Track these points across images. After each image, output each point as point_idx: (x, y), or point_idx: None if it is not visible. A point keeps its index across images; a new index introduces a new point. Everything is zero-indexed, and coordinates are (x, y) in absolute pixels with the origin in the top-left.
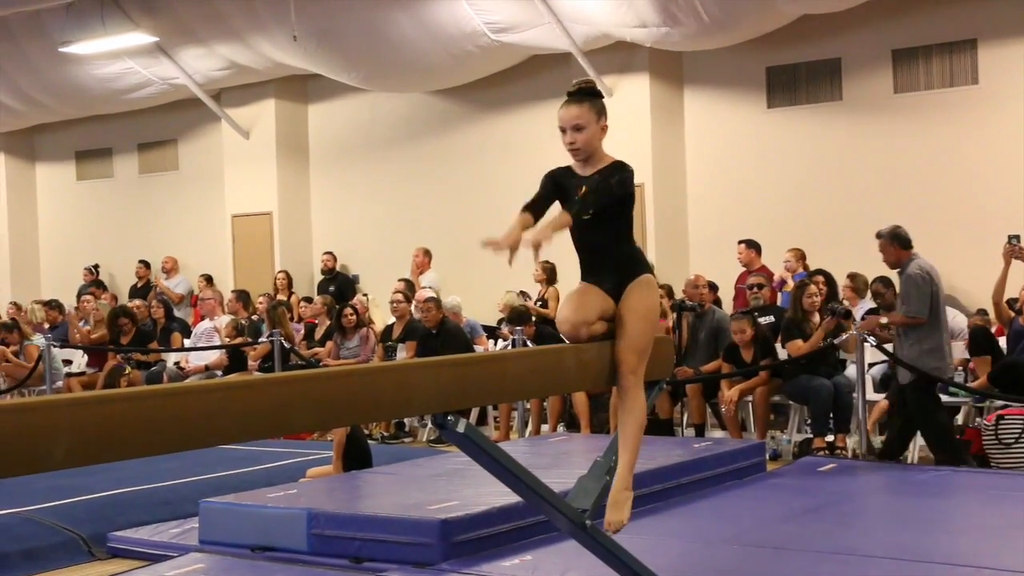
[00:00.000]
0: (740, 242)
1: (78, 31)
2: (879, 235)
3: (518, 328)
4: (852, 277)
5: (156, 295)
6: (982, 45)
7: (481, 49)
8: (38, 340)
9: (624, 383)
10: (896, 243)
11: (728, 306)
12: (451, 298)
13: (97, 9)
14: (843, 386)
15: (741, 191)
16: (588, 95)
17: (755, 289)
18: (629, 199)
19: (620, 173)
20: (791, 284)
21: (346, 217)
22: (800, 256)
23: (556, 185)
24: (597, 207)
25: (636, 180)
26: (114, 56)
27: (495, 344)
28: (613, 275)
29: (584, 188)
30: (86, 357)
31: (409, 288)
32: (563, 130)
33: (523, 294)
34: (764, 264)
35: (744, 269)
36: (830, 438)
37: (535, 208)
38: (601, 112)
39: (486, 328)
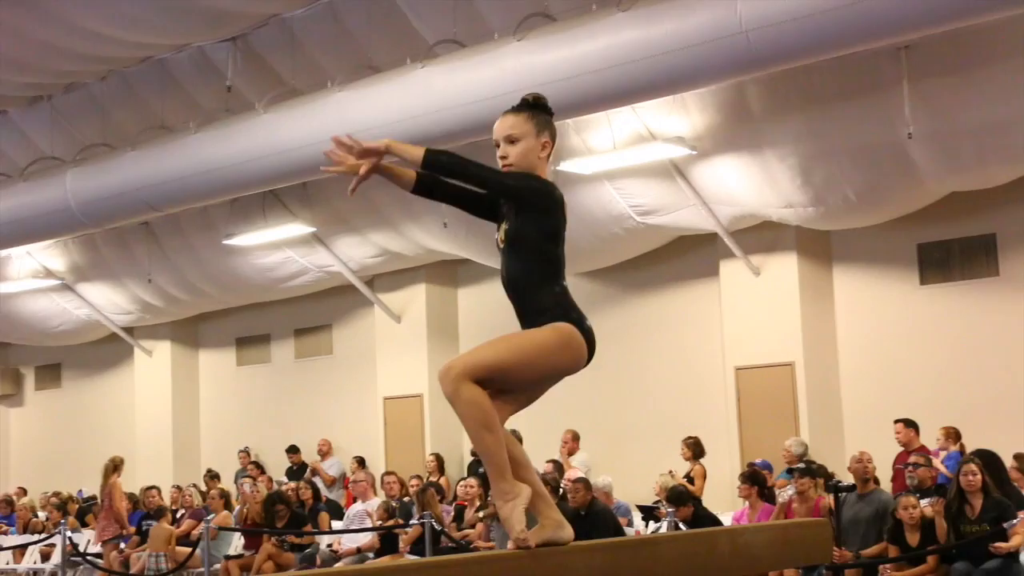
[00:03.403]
0: (897, 421)
1: (242, 224)
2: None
3: (670, 510)
4: (1018, 458)
5: (310, 476)
6: None
7: (627, 231)
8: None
9: (443, 389)
10: None
11: (886, 487)
12: (603, 478)
13: (259, 203)
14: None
15: (895, 369)
16: (529, 106)
17: (911, 468)
18: (543, 218)
19: (526, 180)
20: (939, 464)
21: None
22: (952, 434)
23: (493, 208)
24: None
25: (786, 358)
26: (274, 247)
27: (646, 526)
28: (530, 321)
29: (506, 211)
30: (243, 539)
31: (558, 470)
32: (496, 144)
33: (671, 474)
34: (923, 444)
35: (903, 449)
36: None
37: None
38: (543, 127)
39: (642, 508)
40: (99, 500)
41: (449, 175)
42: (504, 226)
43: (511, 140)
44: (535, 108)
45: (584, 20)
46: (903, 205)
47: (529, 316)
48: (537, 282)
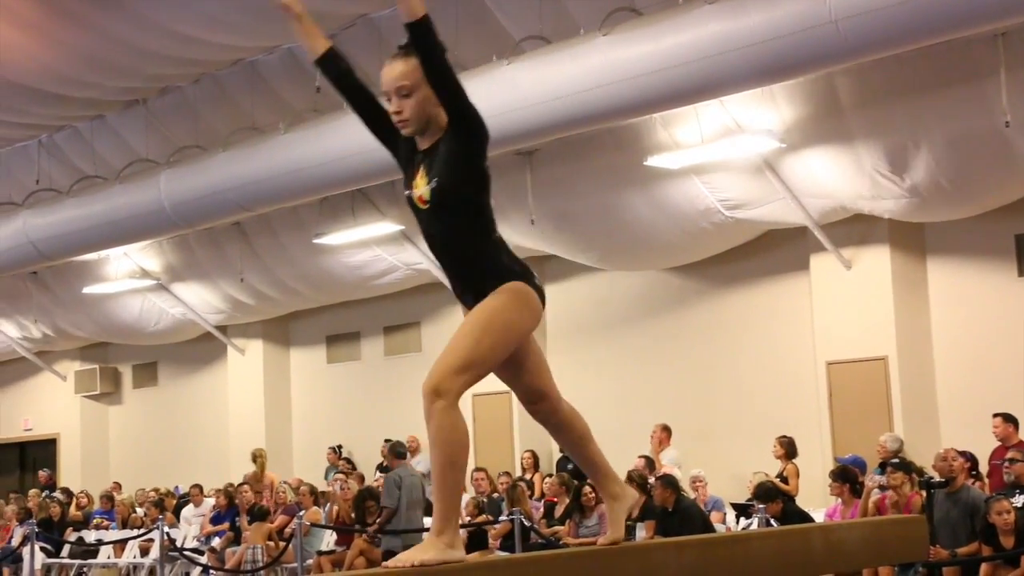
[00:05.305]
0: (996, 415)
1: (331, 223)
2: (386, 441)
3: (760, 506)
4: None
5: None
6: None
7: (715, 226)
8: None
9: (424, 404)
10: (392, 454)
11: (984, 483)
12: (696, 469)
13: (348, 202)
14: None
15: (992, 363)
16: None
17: (1008, 464)
18: (480, 154)
19: (474, 108)
20: None
21: (584, 394)
22: None
23: (394, 136)
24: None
25: (879, 353)
26: (363, 245)
27: (737, 521)
28: (472, 285)
29: (422, 168)
30: (334, 535)
31: (649, 465)
32: (387, 97)
33: (766, 475)
34: (1022, 439)
35: (1000, 444)
36: None
37: (350, 73)
38: None
39: (736, 506)
40: (250, 491)
41: (427, 50)
42: (426, 183)
43: (403, 93)
44: None
45: (670, 13)
46: (1000, 195)
47: (474, 281)
48: (474, 241)
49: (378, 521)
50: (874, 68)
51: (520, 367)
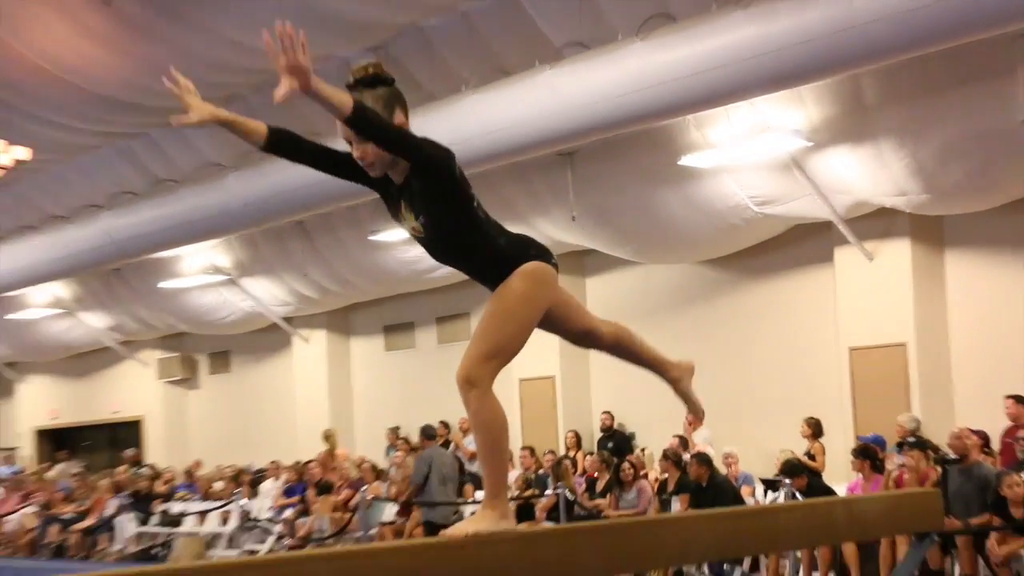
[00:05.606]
0: (1008, 397)
1: (386, 220)
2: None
3: (787, 481)
4: None
5: (454, 451)
6: None
7: (745, 221)
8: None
9: (460, 394)
10: (423, 436)
11: (995, 459)
12: (728, 448)
13: None
14: None
15: (1006, 350)
16: (367, 84)
17: (1021, 442)
18: (452, 184)
19: (436, 149)
20: None
21: (623, 379)
22: None
23: (366, 175)
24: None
25: (898, 339)
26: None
27: (765, 495)
28: (485, 276)
29: (403, 203)
30: (396, 507)
31: (683, 445)
32: (348, 141)
33: (791, 452)
34: None
35: (1011, 424)
36: None
37: (297, 140)
38: (390, 103)
39: (765, 481)
40: (321, 468)
41: (371, 135)
42: (414, 218)
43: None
44: (373, 85)
45: (705, 19)
46: (1016, 189)
47: (485, 272)
48: (474, 242)
49: (406, 494)
50: (897, 68)
51: (555, 321)
